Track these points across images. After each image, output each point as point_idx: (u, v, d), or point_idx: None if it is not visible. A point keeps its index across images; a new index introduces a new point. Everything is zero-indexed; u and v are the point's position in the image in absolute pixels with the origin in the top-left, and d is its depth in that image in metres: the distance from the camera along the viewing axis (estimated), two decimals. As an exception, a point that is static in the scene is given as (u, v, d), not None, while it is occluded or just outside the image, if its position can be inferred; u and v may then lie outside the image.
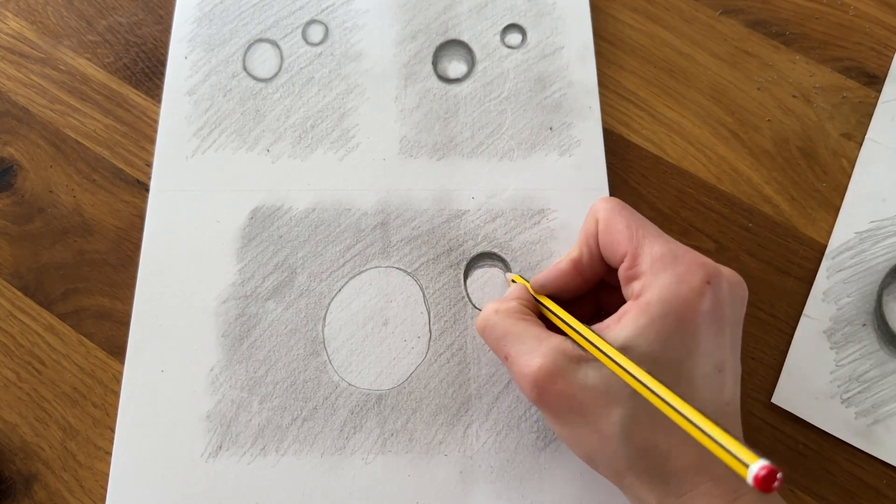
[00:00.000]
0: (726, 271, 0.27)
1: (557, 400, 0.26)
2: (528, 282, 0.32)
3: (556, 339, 0.27)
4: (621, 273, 0.28)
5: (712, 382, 0.26)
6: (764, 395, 0.34)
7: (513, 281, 0.34)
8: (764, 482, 0.19)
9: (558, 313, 0.29)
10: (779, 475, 0.19)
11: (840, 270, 0.36)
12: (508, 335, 0.28)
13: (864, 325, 0.35)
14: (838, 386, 0.34)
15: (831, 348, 0.35)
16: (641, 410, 0.25)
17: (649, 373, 0.24)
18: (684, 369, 0.26)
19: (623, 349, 0.26)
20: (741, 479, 0.25)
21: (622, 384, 0.25)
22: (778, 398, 0.34)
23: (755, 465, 0.19)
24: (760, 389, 0.34)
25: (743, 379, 0.35)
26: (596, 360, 0.26)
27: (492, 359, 0.34)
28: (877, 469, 0.33)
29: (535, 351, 0.27)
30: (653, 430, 0.26)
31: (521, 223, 0.37)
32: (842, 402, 0.34)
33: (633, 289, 0.27)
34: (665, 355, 0.26)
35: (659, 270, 0.27)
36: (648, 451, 0.26)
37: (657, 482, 0.26)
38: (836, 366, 0.34)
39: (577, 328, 0.27)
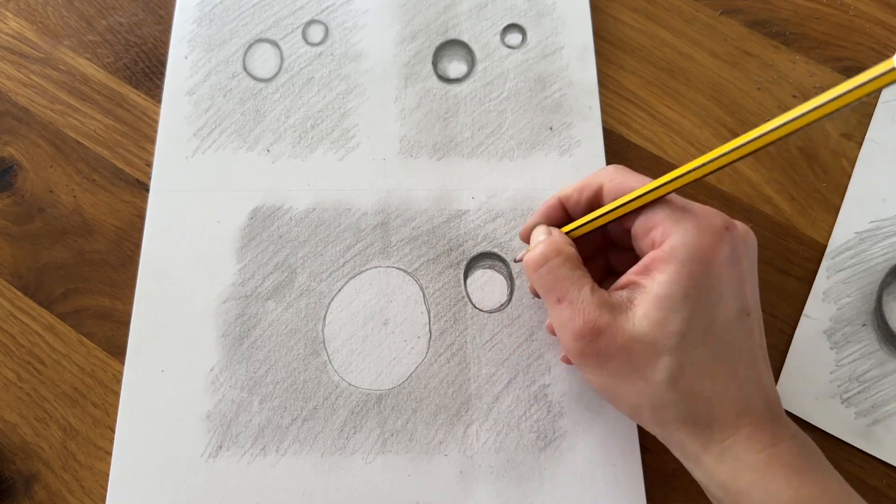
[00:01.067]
0: (737, 221, 0.28)
1: (605, 351, 0.27)
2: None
3: (604, 293, 0.28)
4: (639, 225, 0.29)
5: (742, 327, 0.27)
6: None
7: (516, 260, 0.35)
8: None
9: (589, 219, 0.30)
10: None
11: (840, 270, 0.36)
12: (567, 281, 0.29)
13: (864, 325, 0.35)
14: (838, 386, 0.34)
15: (831, 348, 0.35)
16: (686, 357, 0.26)
17: (687, 319, 0.26)
18: (717, 313, 0.27)
19: (660, 297, 0.26)
20: (780, 423, 0.26)
21: (669, 333, 0.26)
22: None
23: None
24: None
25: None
26: (641, 309, 0.27)
27: (492, 359, 0.34)
28: (877, 469, 0.33)
29: (587, 302, 0.27)
30: (698, 378, 0.26)
31: (521, 223, 0.37)
32: (842, 403, 0.34)
33: (652, 238, 0.28)
34: (700, 299, 0.26)
35: (679, 218, 0.27)
36: (694, 397, 0.26)
37: (701, 428, 0.26)
38: (836, 366, 0.34)
39: (610, 208, 0.29)
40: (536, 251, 0.30)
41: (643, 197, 0.28)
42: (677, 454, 0.28)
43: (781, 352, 0.35)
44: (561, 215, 0.32)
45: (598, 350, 0.27)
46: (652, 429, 0.28)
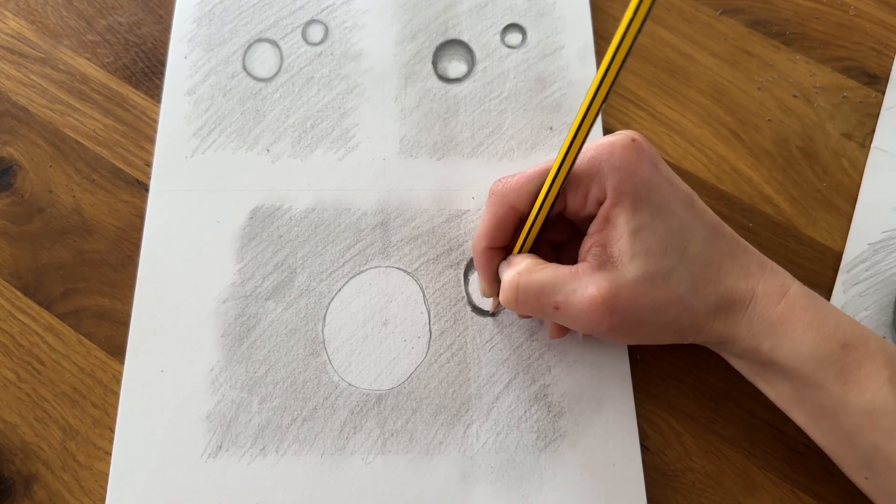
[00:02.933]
0: (627, 131, 0.30)
1: (630, 307, 0.28)
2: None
3: (584, 265, 0.29)
4: (573, 200, 0.30)
5: (696, 209, 0.30)
6: (762, 395, 0.34)
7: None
8: None
9: (529, 223, 0.31)
10: None
11: (856, 283, 0.36)
12: (545, 287, 0.29)
13: (884, 337, 0.35)
14: None
15: None
16: (685, 260, 0.28)
17: (664, 233, 0.28)
18: (676, 213, 0.29)
19: (632, 234, 0.28)
20: (777, 273, 0.29)
21: (659, 253, 0.28)
22: None
23: None
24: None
25: (742, 377, 0.35)
26: (623, 256, 0.28)
27: (492, 359, 0.34)
28: None
29: (580, 284, 0.28)
30: (707, 270, 0.29)
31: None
32: None
33: (596, 197, 0.29)
34: (660, 212, 0.28)
35: (596, 168, 0.29)
36: (712, 288, 0.28)
37: (727, 310, 0.29)
38: None
39: (542, 199, 0.30)
40: (503, 289, 0.31)
41: (561, 170, 0.29)
42: (712, 346, 0.31)
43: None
44: (509, 225, 0.32)
45: (625, 313, 0.28)
46: (700, 340, 0.30)
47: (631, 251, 0.28)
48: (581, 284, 0.28)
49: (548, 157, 0.38)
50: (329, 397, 0.33)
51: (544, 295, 0.29)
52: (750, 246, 0.30)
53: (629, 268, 0.28)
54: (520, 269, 0.30)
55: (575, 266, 0.29)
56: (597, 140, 0.30)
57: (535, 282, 0.29)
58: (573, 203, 0.30)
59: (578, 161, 0.29)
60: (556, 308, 0.29)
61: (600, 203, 0.29)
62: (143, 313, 0.35)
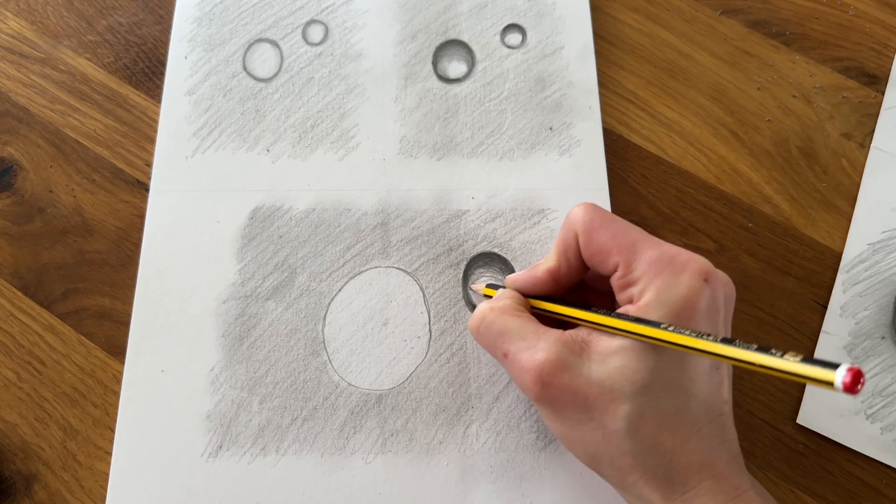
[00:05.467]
0: (718, 271, 0.28)
1: (562, 394, 0.26)
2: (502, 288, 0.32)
3: (557, 333, 0.27)
4: (615, 281, 0.28)
5: (712, 380, 0.27)
6: (762, 395, 0.34)
7: (486, 296, 0.33)
8: (852, 384, 0.19)
9: (562, 312, 0.29)
10: (862, 379, 0.19)
11: (856, 284, 0.36)
12: (506, 332, 0.28)
13: (883, 337, 0.35)
14: (861, 402, 0.34)
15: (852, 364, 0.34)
16: (647, 407, 0.25)
17: (652, 369, 0.25)
18: (686, 366, 0.26)
19: (624, 346, 0.26)
20: (742, 476, 0.25)
21: (628, 378, 0.25)
22: (803, 419, 0.33)
23: (840, 372, 0.19)
24: (759, 389, 0.34)
25: (742, 377, 0.35)
26: (599, 353, 0.26)
27: (492, 359, 0.34)
28: (877, 469, 0.33)
29: (536, 346, 0.27)
30: (658, 428, 0.25)
31: (521, 223, 0.37)
32: (866, 419, 0.33)
33: (630, 294, 0.27)
34: (669, 353, 0.26)
35: (655, 274, 0.26)
36: (654, 448, 0.25)
37: (661, 480, 0.25)
38: None
39: (587, 317, 0.27)
40: (473, 315, 0.30)
41: (599, 324, 0.27)
42: None
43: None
44: (544, 289, 0.31)
45: (553, 394, 0.26)
46: (611, 479, 0.28)
47: (604, 355, 0.26)
48: (537, 346, 0.27)
49: (547, 157, 0.38)
50: (329, 397, 0.34)
51: (501, 339, 0.28)
52: (734, 440, 0.27)
53: (590, 365, 0.26)
54: (495, 304, 0.29)
55: (547, 328, 0.28)
56: (677, 257, 0.27)
57: (499, 324, 0.28)
58: (595, 274, 0.29)
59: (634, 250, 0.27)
60: (505, 356, 0.28)
61: (630, 301, 0.27)
62: (144, 313, 0.35)
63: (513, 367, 0.28)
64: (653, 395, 0.25)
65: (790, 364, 0.21)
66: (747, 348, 0.22)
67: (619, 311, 0.27)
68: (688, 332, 0.24)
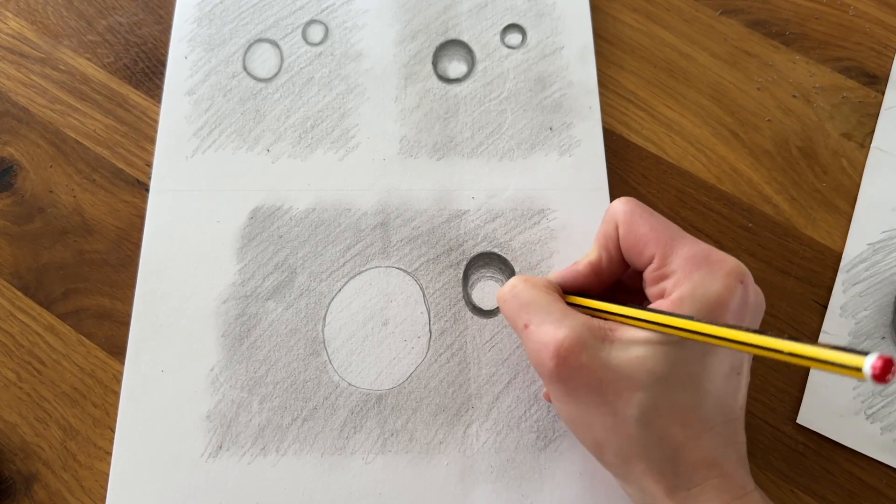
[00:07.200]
0: (754, 283, 0.27)
1: (577, 373, 0.26)
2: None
3: (583, 316, 0.27)
4: (648, 274, 0.28)
5: (729, 384, 0.26)
6: (762, 395, 0.34)
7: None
8: (882, 372, 0.19)
9: (594, 306, 0.29)
10: (894, 368, 0.19)
11: (855, 284, 0.36)
12: (532, 304, 0.28)
13: (883, 337, 0.35)
14: (862, 402, 0.34)
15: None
16: (662, 399, 0.25)
17: (673, 363, 0.25)
18: (707, 365, 0.26)
19: (647, 337, 0.26)
20: (747, 479, 0.25)
21: (647, 368, 0.25)
22: (803, 419, 0.33)
23: (869, 359, 0.19)
24: (759, 389, 0.34)
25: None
26: (622, 341, 0.26)
27: (492, 359, 0.34)
28: (877, 469, 0.33)
29: (560, 322, 0.27)
30: (671, 421, 0.25)
31: (521, 223, 0.37)
32: (867, 419, 0.33)
33: (663, 287, 0.27)
34: (692, 350, 0.26)
35: (691, 269, 0.26)
36: (663, 440, 0.25)
37: (667, 473, 0.25)
38: (858, 381, 0.34)
39: (618, 311, 0.27)
40: (506, 284, 0.30)
41: (651, 325, 0.26)
42: (634, 496, 0.27)
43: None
44: (585, 283, 0.30)
45: (568, 373, 0.26)
46: (613, 468, 0.27)
47: (626, 342, 0.26)
48: (561, 322, 0.27)
49: (547, 157, 0.38)
50: (329, 397, 0.34)
51: (525, 309, 0.28)
52: (743, 443, 0.27)
53: (611, 350, 0.26)
54: (529, 278, 0.30)
55: (575, 311, 0.28)
56: (714, 257, 0.27)
57: (528, 295, 0.28)
58: (644, 270, 0.29)
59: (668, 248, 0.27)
60: (526, 327, 0.28)
61: (662, 294, 0.27)
62: (144, 313, 0.35)
63: (530, 341, 0.27)
64: (670, 387, 0.25)
65: (819, 350, 0.20)
66: (777, 336, 0.22)
67: (652, 306, 0.27)
68: (719, 324, 0.24)
